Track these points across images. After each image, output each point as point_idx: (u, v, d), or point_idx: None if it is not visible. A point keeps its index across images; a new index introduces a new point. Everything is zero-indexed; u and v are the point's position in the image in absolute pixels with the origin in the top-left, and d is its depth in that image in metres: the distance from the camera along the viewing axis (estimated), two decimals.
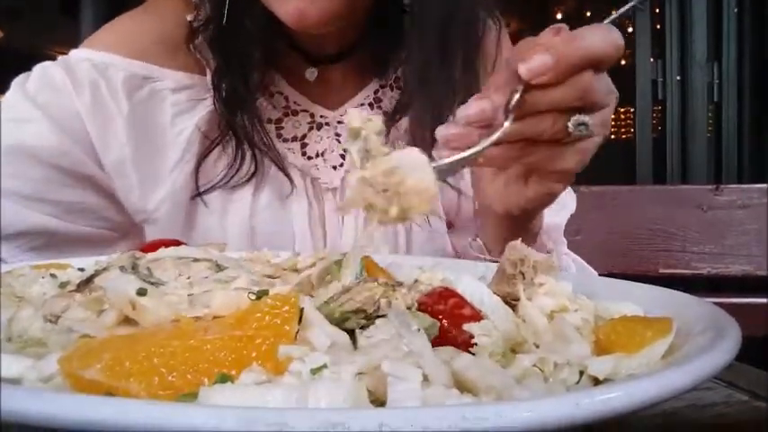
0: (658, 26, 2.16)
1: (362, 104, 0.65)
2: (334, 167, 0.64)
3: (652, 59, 2.15)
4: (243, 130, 0.59)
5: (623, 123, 2.45)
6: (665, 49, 2.10)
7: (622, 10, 0.40)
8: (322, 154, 0.64)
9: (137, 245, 0.56)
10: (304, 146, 0.64)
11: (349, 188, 0.29)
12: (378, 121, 0.28)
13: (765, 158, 1.92)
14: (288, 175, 0.61)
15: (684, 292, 0.28)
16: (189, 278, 0.29)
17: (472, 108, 0.35)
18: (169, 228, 0.60)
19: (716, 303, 0.23)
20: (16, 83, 0.60)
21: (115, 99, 0.59)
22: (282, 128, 0.64)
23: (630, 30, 2.25)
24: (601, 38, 0.35)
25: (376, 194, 0.27)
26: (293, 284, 0.33)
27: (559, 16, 3.75)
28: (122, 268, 0.27)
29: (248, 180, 0.60)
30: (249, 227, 0.61)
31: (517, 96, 0.34)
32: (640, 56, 2.16)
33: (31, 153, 0.57)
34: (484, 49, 0.63)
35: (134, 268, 0.28)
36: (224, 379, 0.17)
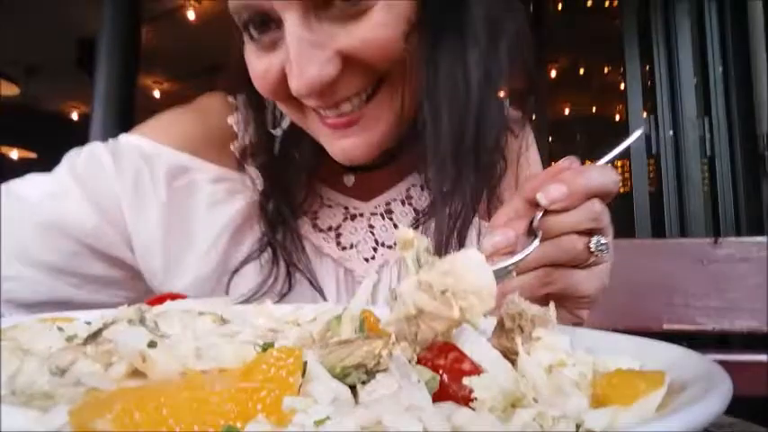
0: (649, 82, 2.25)
1: (395, 199, 0.67)
2: (366, 259, 0.65)
3: (645, 114, 2.22)
4: (282, 248, 0.61)
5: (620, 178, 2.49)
6: (656, 104, 2.18)
7: (616, 151, 0.47)
8: (356, 245, 0.65)
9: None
10: (338, 236, 0.65)
11: (400, 298, 0.30)
12: (425, 240, 0.31)
13: (762, 210, 1.94)
14: (321, 293, 0.62)
15: (690, 348, 0.28)
16: (194, 331, 0.30)
17: (498, 236, 0.41)
18: None
19: (722, 361, 0.23)
20: (68, 157, 0.63)
21: (155, 186, 0.61)
22: (318, 218, 0.66)
23: (623, 86, 2.34)
24: (602, 174, 0.42)
25: (432, 300, 0.27)
26: (295, 338, 0.33)
27: (554, 74, 3.91)
28: (130, 321, 0.28)
29: (280, 300, 0.61)
30: None
31: (539, 216, 0.41)
32: (632, 111, 2.23)
33: (66, 228, 0.59)
34: (507, 156, 0.67)
35: (141, 321, 0.29)
36: (230, 431, 0.18)
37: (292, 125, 0.61)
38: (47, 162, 0.65)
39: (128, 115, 2.34)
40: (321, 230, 0.65)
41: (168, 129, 0.65)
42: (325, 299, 0.62)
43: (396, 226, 0.66)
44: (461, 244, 0.57)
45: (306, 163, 0.62)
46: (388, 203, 0.67)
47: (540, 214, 0.42)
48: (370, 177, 0.67)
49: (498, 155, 0.63)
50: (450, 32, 0.52)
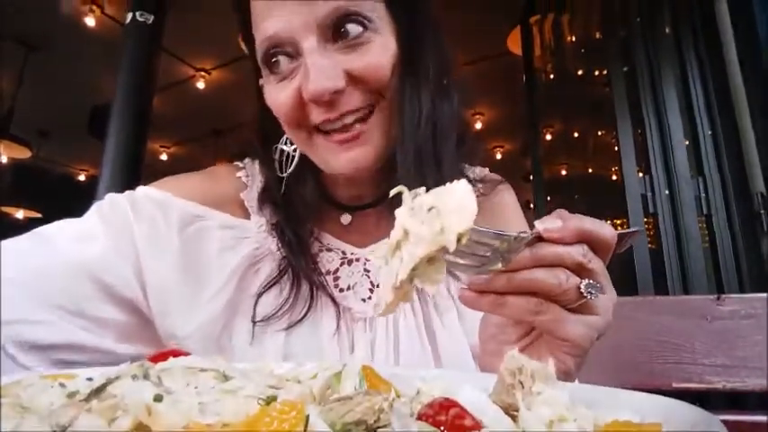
0: (642, 144, 2.31)
1: None
2: (364, 300, 0.69)
3: (640, 174, 2.27)
4: (303, 269, 0.67)
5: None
6: (650, 165, 2.23)
7: (626, 231, 0.49)
8: (353, 287, 0.70)
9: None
10: (336, 279, 0.70)
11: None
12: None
13: (763, 266, 1.93)
14: (337, 305, 0.68)
15: (702, 408, 0.28)
16: (196, 387, 0.30)
17: (549, 221, 0.44)
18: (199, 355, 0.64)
19: (736, 421, 0.23)
20: (96, 205, 0.68)
21: (169, 231, 0.66)
22: (318, 262, 0.71)
23: (616, 148, 2.41)
24: (595, 222, 0.44)
25: (419, 224, 0.30)
26: (296, 395, 0.33)
27: (549, 137, 4.03)
28: (134, 377, 0.28)
29: (305, 315, 0.66)
30: (282, 356, 0.64)
31: (532, 234, 0.43)
32: (627, 172, 2.28)
33: (85, 268, 0.62)
34: (502, 210, 0.79)
35: (145, 377, 0.29)
36: None
37: (296, 169, 0.70)
38: (51, 222, 0.67)
39: (135, 177, 2.40)
40: (320, 273, 0.69)
41: (179, 184, 0.72)
42: (339, 317, 0.67)
43: None
44: None
45: (309, 196, 0.70)
46: None
47: (532, 234, 0.43)
48: (364, 221, 0.74)
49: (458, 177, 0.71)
50: (411, 74, 0.64)
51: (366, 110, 0.63)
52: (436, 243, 0.32)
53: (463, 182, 0.32)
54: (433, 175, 0.64)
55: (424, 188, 0.36)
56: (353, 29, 0.60)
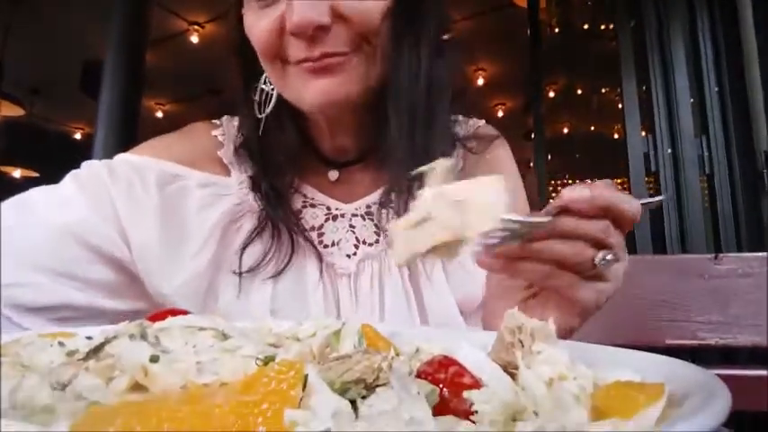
0: (646, 102, 2.27)
1: (375, 203, 0.72)
2: (348, 256, 0.69)
3: (643, 133, 2.24)
4: (282, 220, 0.67)
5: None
6: (653, 124, 2.20)
7: (651, 200, 0.50)
8: (337, 243, 0.69)
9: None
10: (321, 235, 0.70)
11: (418, 200, 0.35)
12: (450, 162, 0.36)
13: (762, 226, 1.94)
14: (323, 259, 0.67)
15: (694, 363, 0.28)
16: (195, 346, 0.30)
17: (576, 191, 0.43)
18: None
19: (725, 376, 0.23)
20: (72, 172, 0.68)
21: (147, 191, 0.66)
22: (302, 218, 0.70)
23: (620, 106, 2.37)
24: (626, 199, 0.44)
25: (444, 209, 0.29)
26: (295, 353, 0.33)
27: (552, 94, 3.96)
28: (132, 336, 0.28)
29: (287, 263, 0.66)
30: (269, 310, 0.64)
31: (555, 205, 0.43)
32: (631, 130, 2.25)
33: (69, 231, 0.62)
34: (496, 165, 0.77)
35: (143, 336, 0.29)
36: None
37: (275, 111, 0.68)
38: (49, 181, 0.68)
39: (131, 136, 2.37)
40: (304, 230, 0.69)
41: (155, 147, 0.72)
42: (323, 264, 0.67)
43: (376, 226, 0.70)
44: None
45: (289, 144, 0.69)
46: (368, 206, 0.72)
47: (557, 205, 0.44)
48: (351, 177, 0.73)
49: (452, 143, 0.72)
50: (409, 29, 0.63)
51: (348, 55, 0.61)
52: (457, 235, 0.32)
53: (497, 180, 0.31)
54: (423, 133, 0.64)
55: (451, 169, 0.36)
56: None
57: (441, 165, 0.35)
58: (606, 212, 0.43)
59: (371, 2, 0.60)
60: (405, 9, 0.62)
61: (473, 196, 0.31)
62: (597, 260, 0.44)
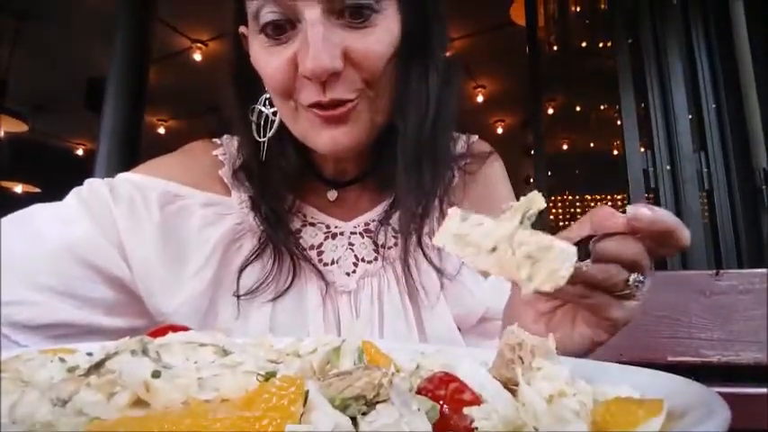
0: (645, 118, 2.29)
1: (373, 220, 0.72)
2: (348, 274, 0.69)
3: (642, 150, 2.25)
4: (282, 242, 0.67)
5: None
6: (652, 140, 2.21)
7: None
8: (337, 261, 0.69)
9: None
10: (320, 254, 0.70)
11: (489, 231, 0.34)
12: (542, 202, 0.35)
13: (762, 242, 1.94)
14: (323, 278, 0.67)
15: (696, 380, 0.28)
16: (196, 362, 0.30)
17: (642, 208, 0.42)
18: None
19: (728, 394, 0.23)
20: (75, 190, 0.68)
21: (148, 211, 0.66)
22: (301, 237, 0.70)
23: (619, 122, 2.39)
24: (681, 226, 0.42)
25: (512, 255, 0.30)
26: (296, 370, 0.33)
27: (551, 111, 3.99)
28: (133, 352, 0.28)
29: (289, 287, 0.66)
30: (268, 329, 0.64)
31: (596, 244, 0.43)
32: (630, 147, 2.26)
33: (70, 249, 0.62)
34: (490, 181, 0.78)
35: (144, 352, 0.29)
36: None
37: (276, 135, 0.68)
38: (50, 197, 0.68)
39: (133, 152, 2.38)
40: (303, 249, 0.69)
41: (157, 167, 0.72)
42: (328, 285, 0.67)
43: (375, 243, 0.70)
44: (419, 239, 0.66)
45: (290, 168, 0.69)
46: (367, 224, 0.72)
47: (597, 239, 0.44)
48: (349, 196, 0.73)
49: (450, 165, 0.73)
50: (417, 61, 0.64)
51: (354, 101, 0.61)
52: (507, 278, 0.32)
53: (572, 249, 0.31)
54: (430, 166, 0.65)
55: (537, 214, 0.34)
56: (363, 10, 0.58)
57: (536, 204, 0.34)
58: (661, 237, 0.42)
59: (381, 46, 0.60)
60: (412, 43, 0.62)
61: (542, 257, 0.31)
62: (631, 281, 0.44)
